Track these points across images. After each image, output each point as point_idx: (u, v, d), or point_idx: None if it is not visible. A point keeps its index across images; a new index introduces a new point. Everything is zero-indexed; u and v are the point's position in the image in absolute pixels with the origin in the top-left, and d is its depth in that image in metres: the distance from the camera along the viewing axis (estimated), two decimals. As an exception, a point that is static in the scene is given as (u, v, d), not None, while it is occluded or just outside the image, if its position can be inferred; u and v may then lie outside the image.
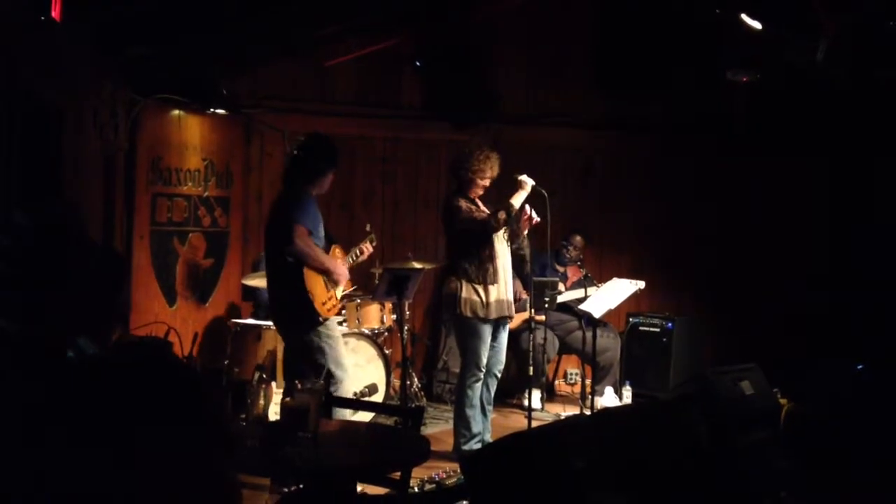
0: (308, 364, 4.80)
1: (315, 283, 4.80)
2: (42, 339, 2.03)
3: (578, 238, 7.42)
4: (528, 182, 5.36)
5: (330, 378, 4.79)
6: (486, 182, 5.45)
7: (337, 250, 5.31)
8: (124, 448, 1.06)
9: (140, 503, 1.06)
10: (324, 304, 4.83)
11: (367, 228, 5.96)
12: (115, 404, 1.08)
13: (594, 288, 6.59)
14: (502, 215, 5.27)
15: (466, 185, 5.47)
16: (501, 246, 5.47)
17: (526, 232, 5.57)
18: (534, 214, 5.44)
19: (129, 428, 1.07)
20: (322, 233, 4.93)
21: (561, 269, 7.41)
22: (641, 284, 6.25)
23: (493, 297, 5.37)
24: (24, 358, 1.85)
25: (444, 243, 5.85)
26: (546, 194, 5.41)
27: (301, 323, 4.82)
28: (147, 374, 1.14)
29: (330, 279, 4.92)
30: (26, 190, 4.05)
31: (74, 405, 1.08)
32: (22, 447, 1.06)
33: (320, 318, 4.80)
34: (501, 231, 5.40)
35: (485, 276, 5.36)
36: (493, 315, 5.39)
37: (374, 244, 5.54)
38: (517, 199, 5.34)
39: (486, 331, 5.41)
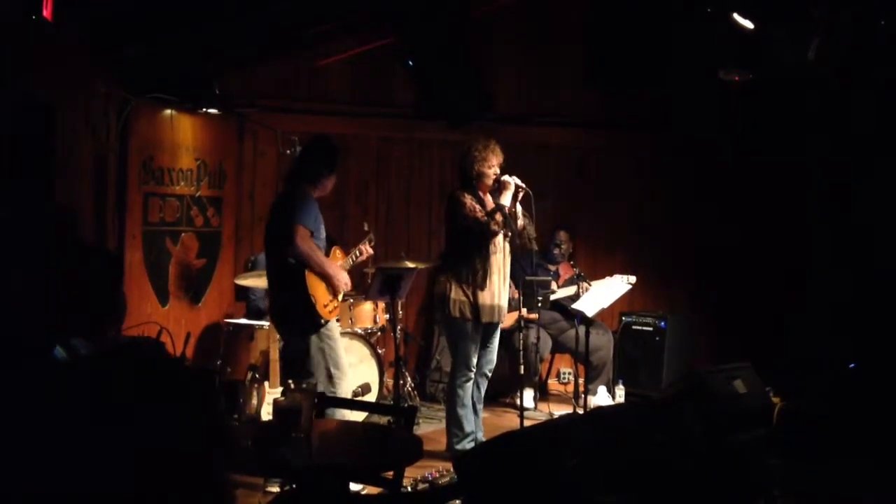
0: (306, 365, 4.81)
1: (317, 285, 4.81)
2: (33, 340, 2.02)
3: (563, 233, 7.46)
4: (511, 181, 5.37)
5: (328, 380, 4.81)
6: (494, 171, 5.41)
7: (337, 252, 5.32)
8: (119, 448, 1.05)
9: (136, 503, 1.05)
10: (325, 306, 4.84)
11: (366, 228, 5.95)
12: (109, 404, 1.08)
13: (586, 284, 6.61)
14: (499, 217, 5.27)
15: (474, 181, 5.45)
16: (501, 249, 5.45)
17: (519, 208, 5.45)
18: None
19: (125, 428, 1.06)
20: (323, 234, 4.94)
21: (552, 267, 7.42)
22: (632, 279, 6.35)
23: (481, 301, 5.36)
24: (16, 358, 1.85)
25: (444, 238, 5.83)
26: (531, 192, 5.42)
27: (303, 325, 4.83)
28: (141, 373, 1.13)
29: (330, 284, 4.91)
30: (17, 189, 4.03)
31: (68, 406, 1.07)
32: (16, 449, 1.06)
33: (322, 321, 4.81)
34: (501, 234, 5.39)
35: (474, 279, 5.35)
36: (484, 319, 5.38)
37: (372, 244, 5.55)
38: (506, 199, 5.34)
39: (476, 331, 5.41)
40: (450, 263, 5.45)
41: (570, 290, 7.02)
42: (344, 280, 4.97)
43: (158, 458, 1.06)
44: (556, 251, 7.42)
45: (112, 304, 2.58)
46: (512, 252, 5.59)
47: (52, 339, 2.03)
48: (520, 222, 5.46)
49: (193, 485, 1.09)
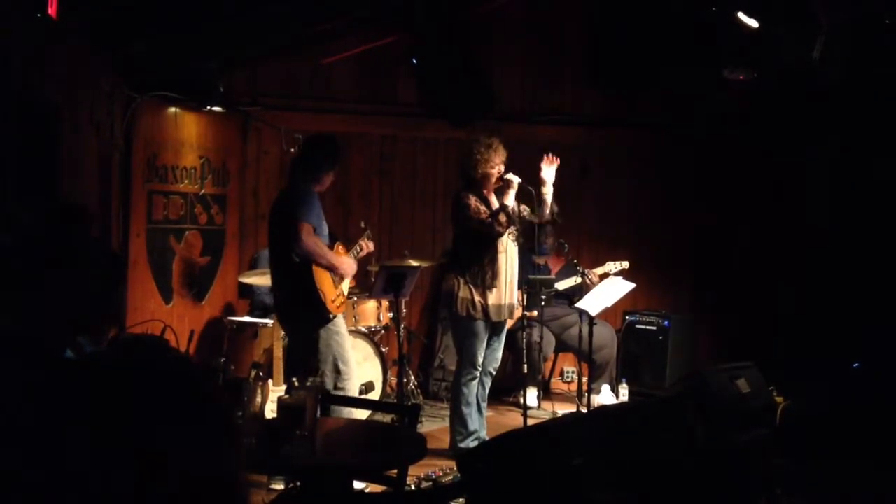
0: (313, 362, 4.83)
1: (324, 280, 4.85)
2: (42, 339, 2.03)
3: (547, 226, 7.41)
4: (515, 179, 5.37)
5: (337, 375, 4.83)
6: (498, 169, 5.42)
7: (340, 248, 5.35)
8: (133, 449, 1.05)
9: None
10: (333, 300, 4.89)
11: (363, 225, 5.97)
12: (121, 403, 1.07)
13: (588, 278, 6.63)
14: (503, 217, 5.27)
15: (479, 182, 5.45)
16: (507, 248, 5.46)
17: (551, 183, 5.53)
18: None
19: (138, 427, 1.06)
20: (326, 230, 4.97)
21: (541, 259, 7.34)
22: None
23: (489, 301, 5.36)
24: (25, 358, 1.85)
25: (451, 238, 5.84)
26: (533, 191, 5.42)
27: (311, 321, 4.87)
28: (151, 370, 1.13)
29: (337, 275, 4.97)
30: (22, 187, 4.05)
31: (79, 405, 1.08)
32: (26, 450, 1.06)
33: (330, 316, 4.84)
34: (507, 233, 5.40)
35: (483, 279, 5.35)
36: (492, 317, 5.39)
37: (370, 240, 5.58)
38: (509, 199, 5.35)
39: (483, 329, 5.41)
40: (458, 263, 5.46)
41: (572, 282, 6.99)
42: (348, 265, 5.08)
43: (175, 457, 1.06)
44: (544, 242, 7.34)
45: (113, 303, 2.59)
46: (519, 251, 5.61)
47: (59, 338, 2.04)
48: (547, 208, 5.50)
49: (206, 484, 1.09)
